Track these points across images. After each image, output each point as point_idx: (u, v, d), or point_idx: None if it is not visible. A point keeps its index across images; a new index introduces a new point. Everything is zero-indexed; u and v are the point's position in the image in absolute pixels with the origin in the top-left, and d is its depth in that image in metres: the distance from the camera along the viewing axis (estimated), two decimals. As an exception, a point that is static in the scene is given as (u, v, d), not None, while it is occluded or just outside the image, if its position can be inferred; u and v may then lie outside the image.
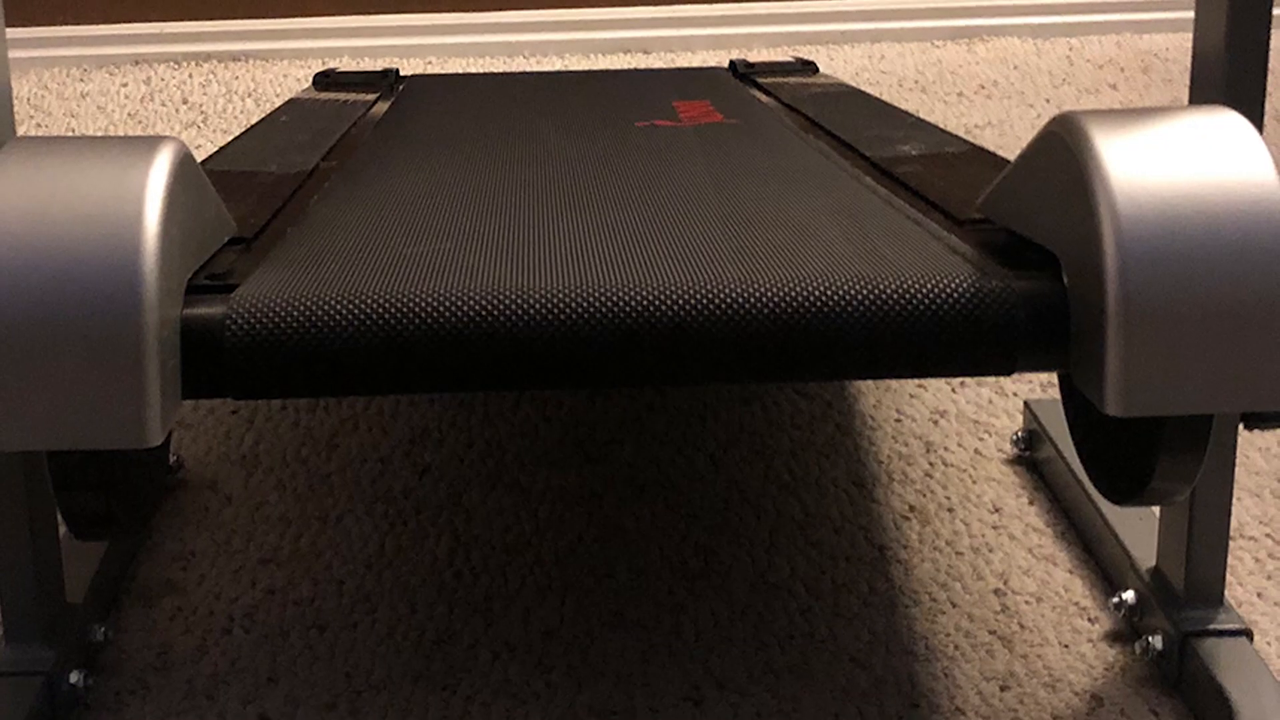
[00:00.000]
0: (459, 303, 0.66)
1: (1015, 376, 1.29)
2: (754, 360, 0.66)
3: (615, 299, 0.66)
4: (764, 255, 0.72)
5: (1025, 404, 1.17)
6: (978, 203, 0.81)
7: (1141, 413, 0.63)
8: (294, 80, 2.41)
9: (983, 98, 2.26)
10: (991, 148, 1.77)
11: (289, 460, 1.16)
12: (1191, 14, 0.82)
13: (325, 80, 1.63)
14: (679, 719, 0.84)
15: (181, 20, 2.58)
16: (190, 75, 2.47)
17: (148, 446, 0.61)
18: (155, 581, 1.00)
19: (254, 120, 2.05)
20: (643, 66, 2.45)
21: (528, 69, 2.48)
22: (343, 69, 1.87)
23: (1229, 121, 0.67)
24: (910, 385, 1.28)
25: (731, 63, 1.70)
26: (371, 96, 1.49)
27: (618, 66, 2.48)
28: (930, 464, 1.14)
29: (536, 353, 0.66)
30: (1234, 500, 0.89)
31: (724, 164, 1.01)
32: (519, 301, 0.66)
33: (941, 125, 1.73)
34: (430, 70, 2.50)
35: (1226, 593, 0.87)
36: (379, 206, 0.88)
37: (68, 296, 0.60)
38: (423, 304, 0.66)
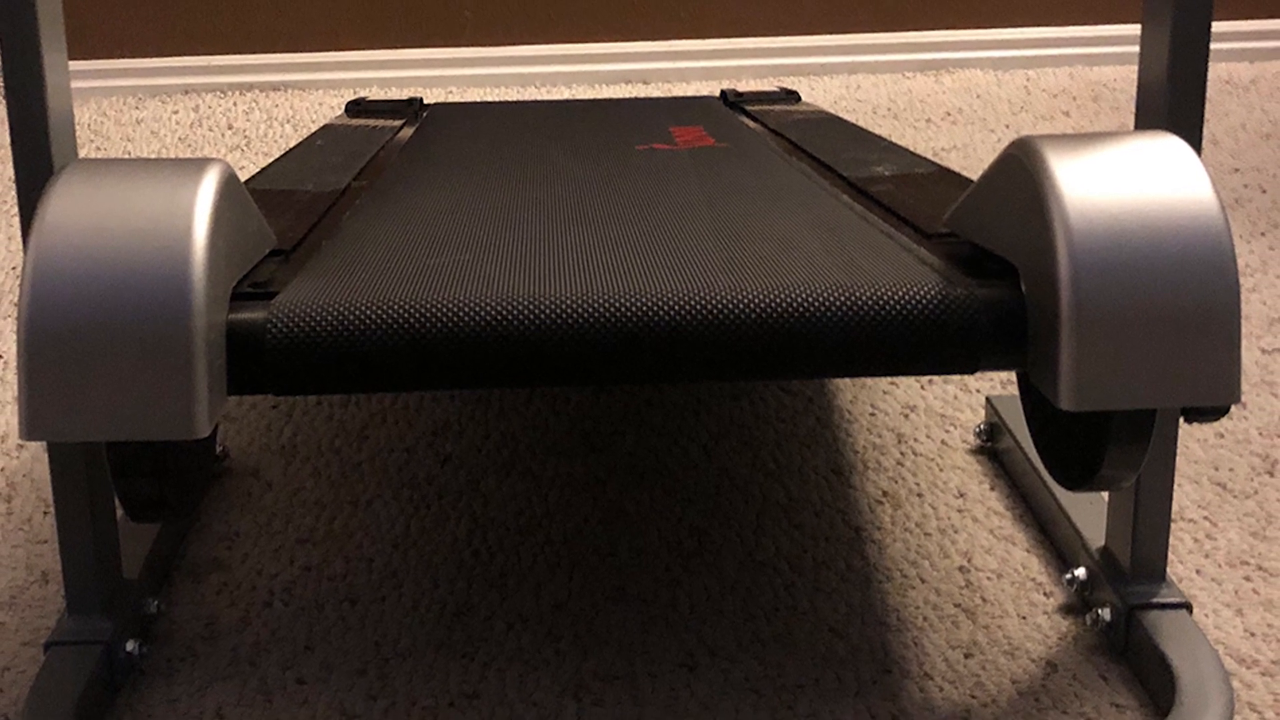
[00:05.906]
0: (477, 308, 0.66)
1: (978, 375, 1.29)
2: (743, 360, 0.66)
3: (617, 305, 0.66)
4: (752, 265, 0.72)
5: (987, 399, 1.17)
6: (944, 218, 0.81)
7: (1091, 407, 0.63)
8: (328, 108, 2.41)
9: (949, 124, 2.26)
10: (956, 169, 1.77)
11: (324, 450, 1.16)
12: (1137, 49, 0.82)
13: (356, 108, 1.63)
14: (675, 684, 0.84)
15: (227, 54, 2.58)
16: (235, 103, 2.47)
17: (197, 438, 0.61)
18: (203, 559, 1.00)
19: (292, 144, 2.05)
20: (642, 95, 2.45)
21: (539, 98, 2.48)
22: (372, 98, 1.87)
23: (1170, 145, 0.67)
24: (883, 383, 1.28)
25: (722, 92, 1.70)
26: (398, 122, 1.49)
27: (619, 95, 2.48)
28: (901, 453, 1.14)
29: (546, 353, 0.66)
30: (1175, 486, 0.89)
31: (715, 183, 1.01)
32: (531, 307, 0.66)
33: (911, 148, 1.73)
34: (451, 99, 2.50)
35: (1168, 570, 0.87)
36: (405, 222, 0.89)
37: (125, 303, 0.61)
38: (445, 309, 0.66)
